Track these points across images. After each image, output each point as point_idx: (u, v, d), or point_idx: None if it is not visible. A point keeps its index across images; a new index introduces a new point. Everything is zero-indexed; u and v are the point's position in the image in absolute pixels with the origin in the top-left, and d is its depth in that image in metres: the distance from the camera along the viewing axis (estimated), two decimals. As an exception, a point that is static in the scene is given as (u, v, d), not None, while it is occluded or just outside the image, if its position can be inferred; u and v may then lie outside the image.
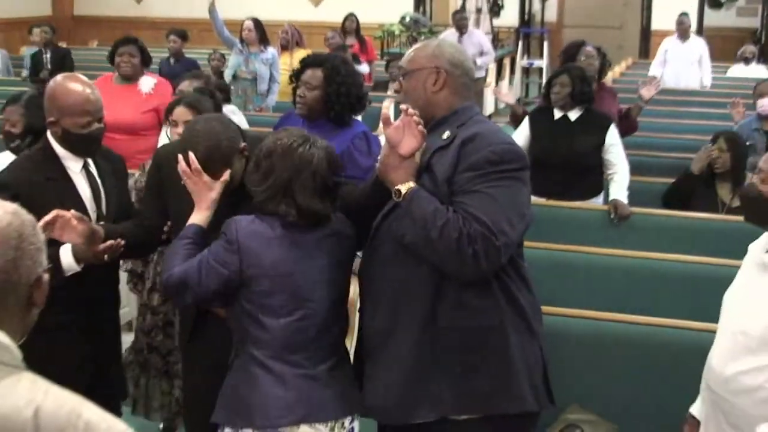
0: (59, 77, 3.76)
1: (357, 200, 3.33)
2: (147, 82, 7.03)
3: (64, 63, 11.54)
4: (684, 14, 12.55)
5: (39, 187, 3.50)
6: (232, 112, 6.98)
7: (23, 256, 1.82)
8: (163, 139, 5.00)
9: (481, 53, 12.78)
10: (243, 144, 3.42)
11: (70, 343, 3.48)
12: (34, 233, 1.87)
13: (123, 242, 3.49)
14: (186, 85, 5.35)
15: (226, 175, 3.32)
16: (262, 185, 3.14)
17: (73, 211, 3.34)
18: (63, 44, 14.10)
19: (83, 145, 3.69)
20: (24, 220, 1.86)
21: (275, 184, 3.11)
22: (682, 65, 12.07)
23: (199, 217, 3.31)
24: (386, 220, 3.13)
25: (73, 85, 3.66)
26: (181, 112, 4.39)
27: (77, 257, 3.42)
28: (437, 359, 3.04)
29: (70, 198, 3.59)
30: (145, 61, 7.22)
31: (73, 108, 3.61)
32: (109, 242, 3.43)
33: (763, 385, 3.09)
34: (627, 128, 6.90)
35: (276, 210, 3.13)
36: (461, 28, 12.94)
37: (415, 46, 3.44)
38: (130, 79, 6.97)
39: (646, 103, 7.13)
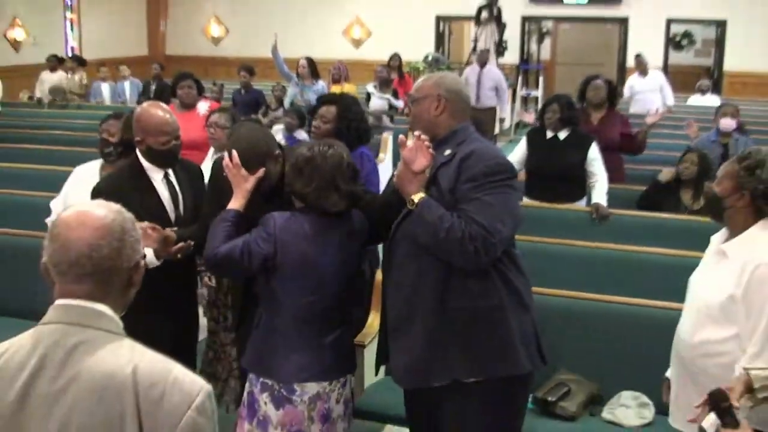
0: (144, 104, 3.83)
1: (379, 207, 3.33)
2: (203, 106, 7.14)
3: (163, 93, 11.65)
4: (638, 55, 12.54)
5: (127, 195, 3.49)
6: (298, 133, 7.10)
7: (125, 246, 1.84)
8: None
9: (497, 88, 12.69)
10: (278, 151, 3.47)
11: (158, 319, 3.47)
12: (133, 227, 1.89)
13: (192, 243, 3.51)
14: (216, 117, 5.20)
15: (260, 172, 3.33)
16: (310, 186, 3.14)
17: (146, 223, 3.34)
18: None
19: (163, 158, 3.72)
20: (125, 217, 1.88)
21: (322, 182, 3.14)
22: (647, 96, 11.95)
23: (236, 203, 3.30)
24: (402, 224, 3.14)
25: (154, 110, 3.72)
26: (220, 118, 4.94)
27: (157, 254, 3.45)
28: (448, 335, 3.05)
29: (153, 203, 3.64)
30: (200, 90, 7.34)
31: (155, 129, 3.66)
32: (180, 244, 3.46)
33: (726, 352, 3.10)
34: (634, 149, 6.83)
35: (326, 204, 3.15)
36: (483, 63, 12.84)
37: (422, 77, 3.45)
38: (190, 106, 7.05)
39: (650, 128, 7.02)
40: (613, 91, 7.00)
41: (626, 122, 6.99)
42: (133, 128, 3.71)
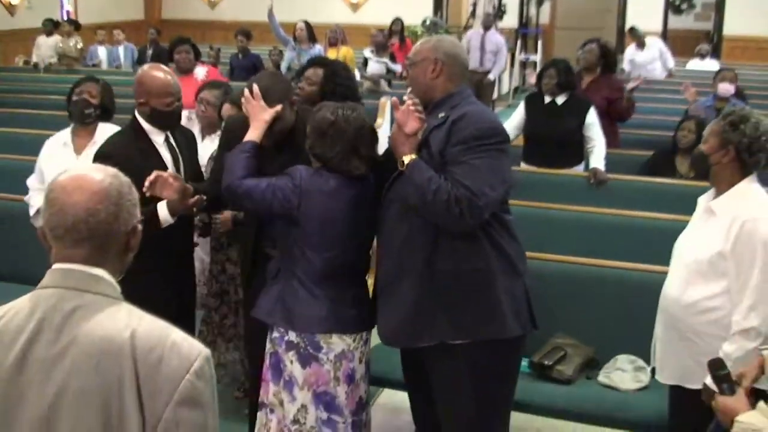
0: (146, 67, 3.83)
1: (379, 164, 3.35)
2: (201, 71, 7.13)
3: (160, 57, 11.58)
4: (632, 28, 12.54)
5: (132, 156, 3.52)
6: None
7: (122, 210, 1.83)
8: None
9: (497, 51, 12.57)
10: (294, 98, 3.54)
11: (156, 285, 3.48)
12: (130, 191, 1.88)
13: (204, 197, 3.55)
14: (206, 93, 4.94)
15: (278, 107, 3.37)
16: (333, 150, 3.19)
17: (169, 171, 3.47)
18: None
19: (167, 120, 3.73)
20: (122, 181, 1.87)
21: (344, 147, 3.18)
22: (647, 67, 11.91)
23: (253, 134, 3.34)
24: (393, 185, 3.17)
25: (157, 72, 3.72)
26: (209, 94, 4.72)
27: (171, 211, 3.48)
28: (435, 296, 3.09)
29: (156, 165, 3.60)
30: (197, 55, 7.32)
31: (159, 90, 3.66)
32: (196, 197, 3.50)
33: (715, 308, 3.17)
34: (618, 115, 6.79)
35: (348, 167, 3.20)
36: (488, 27, 12.72)
37: (421, 41, 3.44)
38: (187, 71, 7.02)
39: (630, 93, 6.96)
40: (608, 56, 6.92)
41: (615, 87, 6.87)
42: (135, 91, 3.69)
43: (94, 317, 1.74)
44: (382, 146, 3.39)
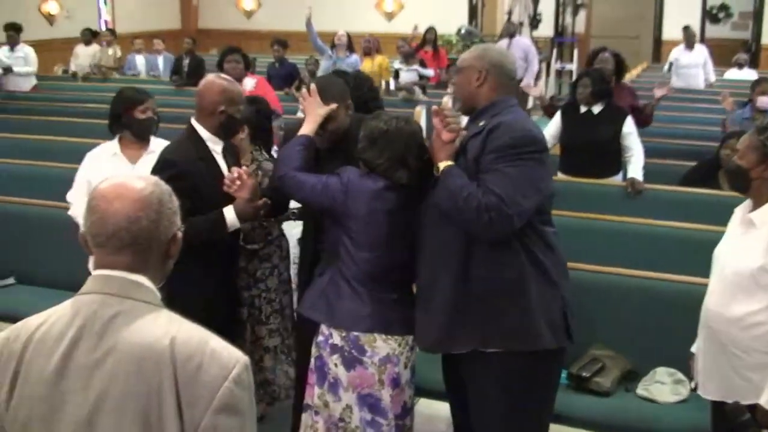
0: (214, 77, 3.79)
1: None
2: (249, 82, 7.10)
3: (198, 67, 11.66)
4: (687, 27, 12.30)
5: (194, 164, 3.54)
6: None
7: (162, 218, 1.84)
8: None
9: (524, 56, 12.49)
10: (350, 102, 3.60)
11: (208, 292, 3.53)
12: (170, 200, 1.89)
13: (269, 201, 3.60)
14: None
15: (333, 105, 3.47)
16: (381, 158, 3.24)
17: (244, 168, 3.54)
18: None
19: (234, 127, 3.79)
20: (163, 190, 1.88)
21: (393, 156, 3.23)
22: (690, 70, 11.82)
23: (307, 128, 3.46)
24: (431, 191, 3.18)
25: (229, 82, 3.75)
26: None
27: (240, 214, 3.51)
28: (468, 303, 3.09)
29: (216, 174, 3.61)
30: (247, 65, 7.28)
31: (238, 98, 3.71)
32: (263, 199, 3.55)
33: (759, 323, 3.11)
34: (642, 121, 6.76)
35: (393, 175, 3.24)
36: (511, 35, 12.68)
37: (470, 49, 3.47)
38: (236, 80, 7.00)
39: (657, 101, 6.97)
40: (621, 64, 6.95)
41: (634, 94, 6.91)
42: (213, 100, 3.63)
43: (135, 324, 1.75)
44: None
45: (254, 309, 4.28)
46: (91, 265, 4.07)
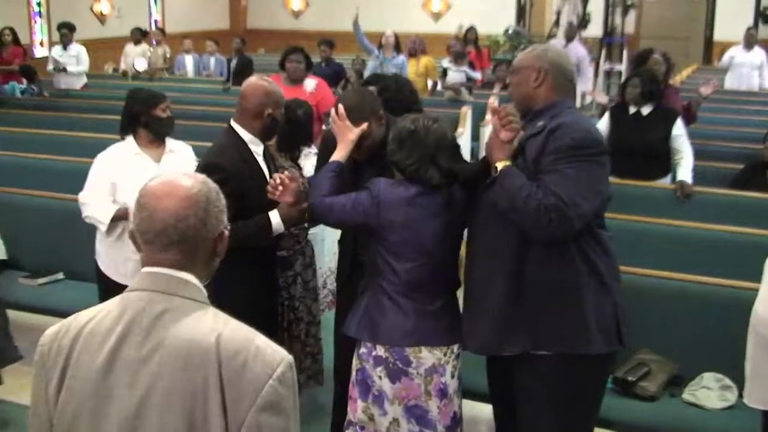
0: (257, 79, 3.74)
1: (472, 173, 3.31)
2: (310, 83, 7.08)
3: (245, 68, 11.75)
4: (751, 28, 12.14)
5: (239, 166, 3.53)
6: None
7: (210, 216, 1.86)
8: None
9: (578, 66, 12.38)
10: (382, 113, 3.51)
11: (256, 295, 3.57)
12: (218, 198, 1.90)
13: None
14: None
15: (364, 126, 3.39)
16: (410, 158, 3.17)
17: (286, 172, 3.48)
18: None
19: (276, 129, 3.77)
20: (210, 188, 1.90)
21: (423, 156, 3.16)
22: (746, 70, 11.66)
23: (339, 154, 3.38)
24: (486, 191, 3.13)
25: (274, 84, 3.71)
26: None
27: (285, 218, 3.47)
28: (520, 304, 3.05)
29: (258, 176, 3.61)
30: (309, 66, 7.25)
31: (281, 100, 3.70)
32: (307, 203, 3.47)
33: None
34: (687, 120, 6.70)
35: (424, 176, 3.16)
36: (570, 38, 12.59)
37: (528, 49, 3.42)
38: (297, 80, 7.02)
39: (704, 99, 6.89)
40: (669, 67, 6.94)
41: (679, 95, 6.90)
42: (259, 102, 3.60)
43: (182, 320, 1.77)
44: (464, 154, 3.37)
45: (276, 316, 4.29)
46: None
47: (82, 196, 4.51)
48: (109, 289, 4.13)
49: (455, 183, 3.26)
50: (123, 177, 4.36)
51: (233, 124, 3.66)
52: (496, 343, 3.12)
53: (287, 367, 1.77)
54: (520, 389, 3.20)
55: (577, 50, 12.48)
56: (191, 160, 4.55)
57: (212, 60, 13.94)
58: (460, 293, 3.39)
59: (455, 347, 3.28)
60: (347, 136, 3.39)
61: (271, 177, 3.65)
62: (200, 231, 1.84)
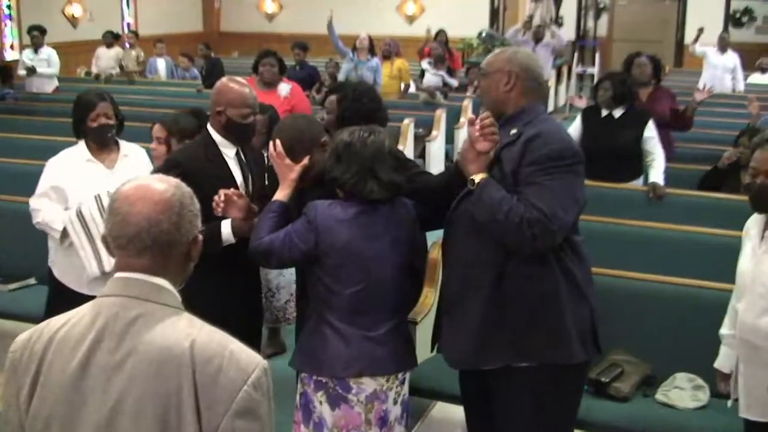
0: (225, 78, 3.76)
1: (437, 185, 3.26)
2: (284, 88, 7.05)
3: (214, 69, 11.72)
4: (725, 33, 12.33)
5: (202, 167, 3.49)
6: None
7: (183, 220, 1.85)
8: None
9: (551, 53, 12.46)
10: (324, 139, 3.39)
11: (226, 305, 3.44)
12: (191, 202, 1.89)
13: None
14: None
15: (305, 161, 3.28)
16: (348, 172, 3.06)
17: (233, 189, 3.38)
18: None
19: (241, 133, 3.67)
20: (184, 192, 1.89)
21: (361, 168, 3.05)
22: (719, 72, 11.77)
23: (282, 194, 3.25)
24: (462, 203, 3.07)
25: (235, 83, 3.69)
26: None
27: (235, 231, 3.41)
28: (501, 318, 2.99)
29: (225, 178, 3.56)
30: (282, 69, 7.23)
31: (239, 100, 3.62)
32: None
33: None
34: (682, 125, 6.72)
35: (363, 189, 3.06)
36: (538, 40, 12.64)
37: (495, 51, 3.34)
38: (271, 84, 7.00)
39: (698, 105, 6.88)
40: (658, 67, 6.90)
41: (674, 97, 6.87)
42: (213, 100, 3.65)
43: (155, 326, 1.76)
44: (434, 157, 3.31)
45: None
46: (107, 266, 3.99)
47: (33, 202, 4.34)
48: (66, 297, 4.03)
49: (399, 197, 3.17)
50: (74, 184, 4.21)
51: (209, 125, 3.68)
52: (477, 357, 3.06)
53: (262, 372, 1.77)
54: (500, 401, 3.14)
55: (543, 53, 12.53)
56: (144, 165, 4.40)
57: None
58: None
59: (400, 374, 3.20)
60: (288, 175, 3.27)
61: (244, 181, 3.64)
62: (174, 235, 1.83)
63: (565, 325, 2.98)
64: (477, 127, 2.97)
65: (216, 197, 3.31)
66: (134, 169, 4.21)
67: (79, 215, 4.04)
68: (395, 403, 3.18)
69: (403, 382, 3.21)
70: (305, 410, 3.18)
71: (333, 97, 4.26)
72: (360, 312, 3.10)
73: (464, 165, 3.02)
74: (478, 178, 2.96)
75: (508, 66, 3.12)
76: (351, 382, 3.08)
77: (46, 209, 4.26)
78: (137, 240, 1.80)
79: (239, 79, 3.81)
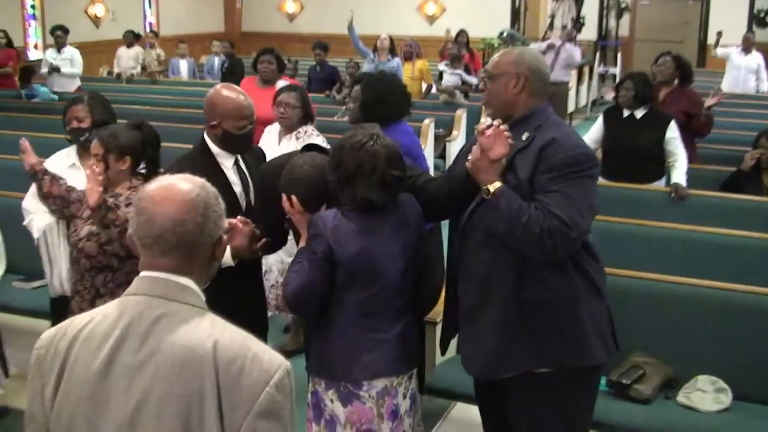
0: (218, 86, 3.65)
1: (448, 192, 3.21)
2: (282, 85, 7.08)
3: (235, 70, 11.75)
4: (750, 32, 12.19)
5: (195, 173, 3.41)
6: None
7: (208, 220, 1.86)
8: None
9: (568, 64, 12.37)
10: (332, 176, 3.27)
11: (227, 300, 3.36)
12: (216, 203, 1.91)
13: (269, 239, 3.38)
14: (285, 96, 5.23)
15: (323, 210, 3.17)
16: (333, 175, 3.04)
17: (240, 217, 3.26)
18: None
19: (239, 144, 3.59)
20: (209, 192, 1.90)
21: (342, 175, 3.01)
22: (742, 73, 11.70)
23: (304, 242, 3.14)
24: (476, 212, 3.03)
25: (230, 93, 3.57)
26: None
27: (235, 255, 3.28)
28: (521, 324, 2.96)
29: (223, 191, 3.43)
30: (281, 67, 7.23)
31: (234, 113, 3.52)
32: (263, 240, 3.32)
33: None
34: (696, 130, 6.66)
35: (339, 196, 3.03)
36: (570, 41, 12.57)
37: (500, 52, 3.26)
38: (269, 82, 6.97)
39: (708, 110, 6.80)
40: (684, 67, 6.77)
41: (695, 101, 6.69)
42: (207, 112, 3.56)
43: (179, 326, 1.77)
44: (454, 156, 3.26)
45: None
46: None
47: (24, 202, 4.28)
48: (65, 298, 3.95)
49: (407, 197, 3.15)
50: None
51: (204, 134, 3.60)
52: (497, 365, 3.04)
53: (285, 373, 1.77)
54: (520, 405, 3.12)
55: (572, 50, 12.47)
56: None
57: (216, 60, 13.76)
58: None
59: (410, 374, 3.22)
60: (306, 226, 3.14)
61: (243, 190, 3.59)
62: (198, 236, 1.84)
63: (585, 327, 2.97)
64: (490, 132, 2.92)
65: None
66: None
67: (45, 236, 4.05)
68: (404, 397, 3.19)
69: (410, 377, 3.23)
70: (316, 408, 3.19)
71: (357, 87, 4.27)
72: (370, 315, 3.09)
73: (476, 174, 2.96)
74: (493, 187, 2.91)
75: (516, 68, 3.08)
76: (362, 381, 3.10)
77: (33, 212, 4.20)
78: (162, 240, 1.81)
79: (233, 86, 3.70)
